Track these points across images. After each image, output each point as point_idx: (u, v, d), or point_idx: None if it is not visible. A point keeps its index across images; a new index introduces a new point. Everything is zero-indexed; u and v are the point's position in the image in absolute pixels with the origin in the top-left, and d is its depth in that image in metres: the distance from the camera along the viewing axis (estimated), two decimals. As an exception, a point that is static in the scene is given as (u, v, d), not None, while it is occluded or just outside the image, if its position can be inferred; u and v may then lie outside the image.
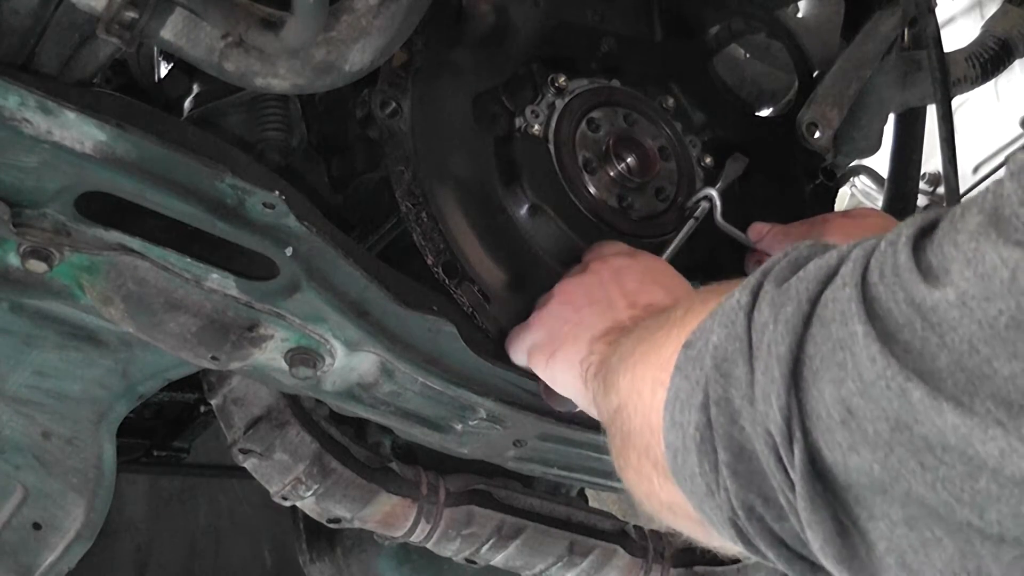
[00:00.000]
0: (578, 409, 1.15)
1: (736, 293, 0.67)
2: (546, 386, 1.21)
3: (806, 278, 0.62)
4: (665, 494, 0.79)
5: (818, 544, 0.60)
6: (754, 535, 0.66)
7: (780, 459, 0.61)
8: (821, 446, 0.58)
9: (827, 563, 0.61)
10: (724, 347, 0.65)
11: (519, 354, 1.23)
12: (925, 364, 0.54)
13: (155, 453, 2.26)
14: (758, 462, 0.63)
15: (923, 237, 0.58)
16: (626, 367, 0.86)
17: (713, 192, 1.38)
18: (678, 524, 0.83)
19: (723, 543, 0.75)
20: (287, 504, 1.45)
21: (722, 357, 0.65)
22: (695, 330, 0.71)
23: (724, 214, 1.39)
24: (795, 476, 0.60)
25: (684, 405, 0.69)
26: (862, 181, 2.35)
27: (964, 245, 0.54)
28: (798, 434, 0.59)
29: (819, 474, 0.59)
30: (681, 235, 1.38)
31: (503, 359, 1.29)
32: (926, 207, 2.21)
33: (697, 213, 1.40)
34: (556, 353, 1.11)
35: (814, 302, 0.60)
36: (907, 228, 0.59)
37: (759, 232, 1.38)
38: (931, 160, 1.96)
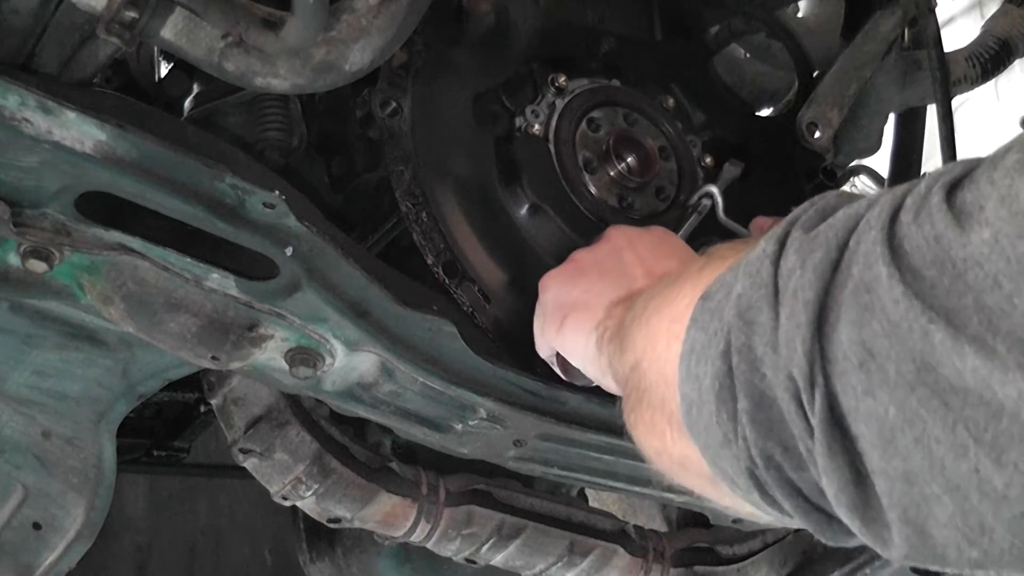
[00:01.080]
0: (594, 384, 1.11)
1: (762, 243, 0.66)
2: (560, 359, 1.18)
3: (835, 225, 0.62)
4: (678, 449, 0.78)
5: (833, 491, 0.60)
6: (772, 485, 0.66)
7: (801, 406, 0.60)
8: (838, 391, 0.58)
9: (841, 512, 0.61)
10: (748, 295, 0.65)
11: (536, 329, 1.20)
12: (949, 304, 0.53)
13: (155, 453, 2.26)
14: (778, 410, 0.62)
15: (959, 181, 0.57)
16: (640, 323, 0.85)
17: (714, 189, 1.38)
18: (689, 481, 0.82)
19: (733, 500, 0.74)
20: (287, 504, 1.45)
21: (746, 305, 0.64)
22: (713, 282, 0.71)
23: (725, 211, 1.39)
24: (814, 422, 0.59)
25: (701, 356, 0.68)
26: (862, 181, 2.35)
27: (1000, 182, 0.53)
28: (819, 379, 0.59)
29: (836, 421, 0.59)
30: (683, 231, 1.37)
31: (503, 359, 1.29)
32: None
33: (699, 210, 1.40)
34: (568, 319, 1.09)
35: (842, 249, 0.60)
36: (943, 174, 0.59)
37: (761, 227, 1.36)
38: (931, 160, 1.95)
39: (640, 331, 0.84)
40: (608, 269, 1.08)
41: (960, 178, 0.57)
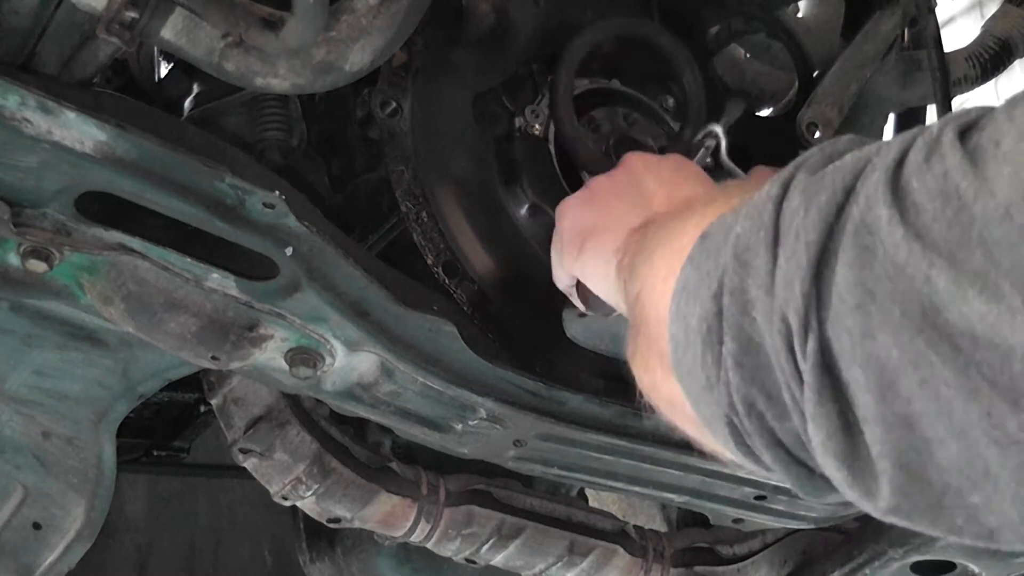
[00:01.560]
0: (615, 313, 1.06)
1: (766, 186, 0.64)
2: (580, 288, 1.13)
3: (842, 168, 0.60)
4: (666, 388, 0.76)
5: (820, 439, 0.58)
6: (752, 433, 0.64)
7: (792, 351, 0.59)
8: (832, 336, 0.56)
9: (826, 462, 0.59)
10: (747, 236, 0.63)
11: (553, 258, 1.14)
12: (950, 238, 0.51)
13: (155, 453, 2.26)
14: (766, 356, 0.61)
15: (973, 122, 0.55)
16: (646, 254, 0.83)
17: (719, 128, 1.33)
18: (676, 420, 0.81)
19: (716, 446, 0.73)
20: (287, 504, 1.45)
21: (744, 246, 0.63)
22: (714, 222, 0.69)
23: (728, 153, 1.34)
24: (804, 367, 0.58)
25: (692, 296, 0.67)
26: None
27: (1020, 119, 0.52)
28: (813, 323, 0.57)
29: (828, 366, 0.57)
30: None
31: (503, 359, 1.29)
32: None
33: (706, 145, 1.34)
34: (587, 244, 1.03)
35: (848, 192, 0.58)
36: (956, 116, 0.57)
37: (763, 176, 1.35)
38: (931, 160, 1.95)
39: (644, 263, 0.82)
40: (627, 193, 1.04)
41: (975, 119, 0.55)
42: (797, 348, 0.58)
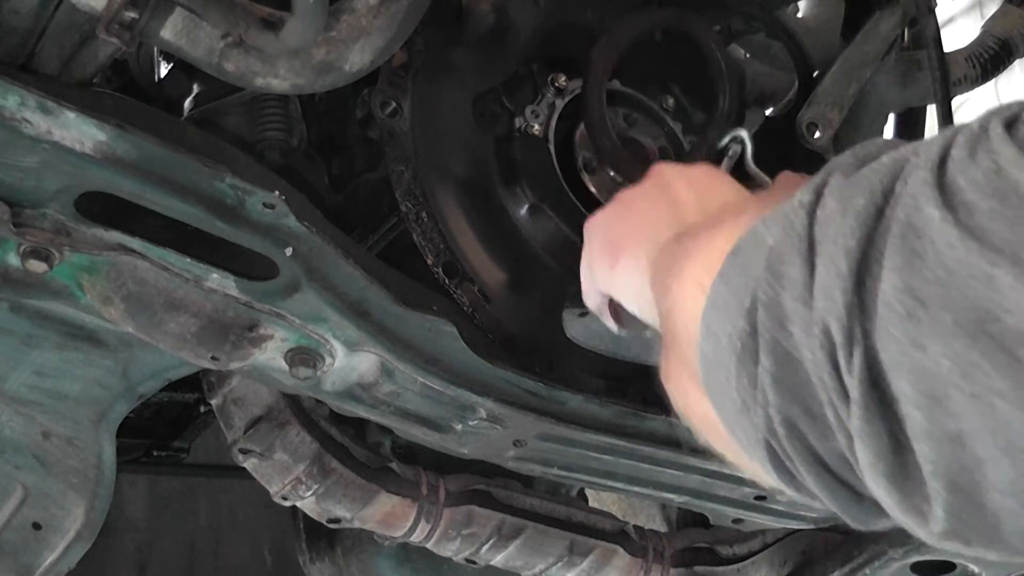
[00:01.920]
0: (649, 332, 1.01)
1: (797, 193, 0.61)
2: (613, 306, 1.07)
3: (879, 169, 0.56)
4: (699, 408, 0.73)
5: (868, 459, 0.55)
6: (793, 456, 0.60)
7: (836, 365, 0.55)
8: (879, 347, 0.53)
9: (874, 483, 0.55)
10: (780, 246, 0.59)
11: (583, 275, 1.09)
12: (1012, 237, 0.48)
13: (155, 453, 2.26)
14: (806, 372, 0.57)
15: (1018, 115, 0.53)
16: (677, 269, 0.79)
17: (744, 133, 1.28)
18: (712, 440, 0.77)
19: (754, 470, 0.69)
20: (287, 504, 1.45)
21: (777, 258, 0.59)
22: (745, 234, 0.65)
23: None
24: (851, 381, 0.54)
25: (722, 313, 0.64)
26: (862, 181, 2.35)
27: None
28: (858, 334, 0.54)
29: (876, 380, 0.53)
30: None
31: (503, 359, 1.29)
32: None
33: (729, 155, 1.30)
34: (621, 257, 0.98)
35: (887, 194, 0.54)
36: (998, 112, 0.54)
37: (790, 182, 1.24)
38: (931, 160, 1.95)
39: (675, 277, 0.78)
40: (659, 203, 0.98)
41: (1019, 112, 0.53)
42: (841, 361, 0.55)
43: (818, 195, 0.59)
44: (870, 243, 0.54)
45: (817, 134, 1.58)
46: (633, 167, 1.33)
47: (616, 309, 1.07)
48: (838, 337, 0.55)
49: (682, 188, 0.98)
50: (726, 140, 1.29)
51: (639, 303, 0.95)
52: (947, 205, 0.51)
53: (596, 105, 1.34)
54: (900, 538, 1.56)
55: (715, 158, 1.28)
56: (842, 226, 0.56)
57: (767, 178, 1.25)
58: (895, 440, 0.54)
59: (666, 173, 1.03)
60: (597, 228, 1.05)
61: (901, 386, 0.52)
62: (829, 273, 0.55)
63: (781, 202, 0.64)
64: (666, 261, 0.85)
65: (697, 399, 0.72)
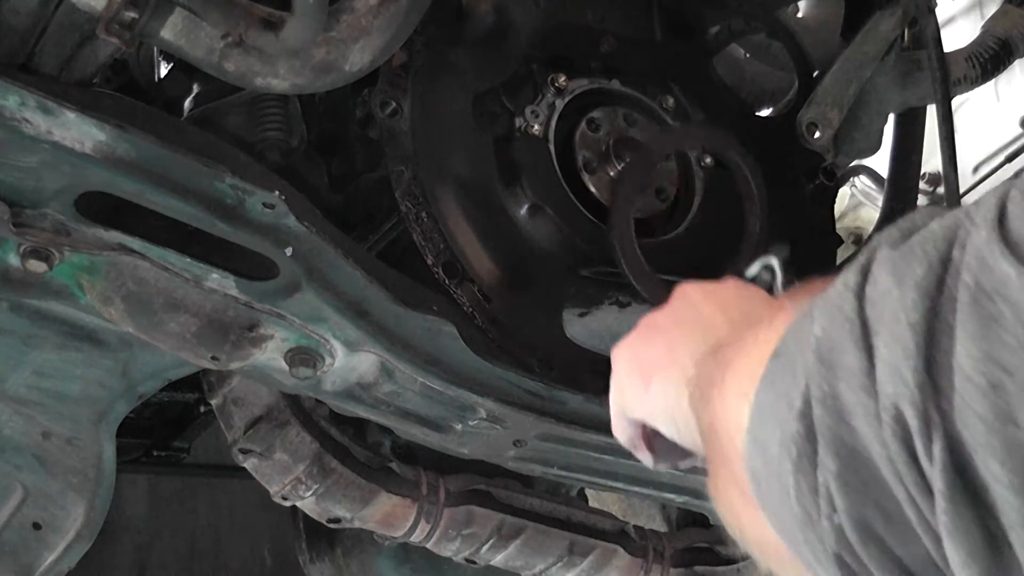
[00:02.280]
0: (689, 463, 0.97)
1: (839, 279, 0.56)
2: (647, 434, 1.00)
3: (931, 236, 0.52)
4: (755, 529, 0.67)
5: (960, 559, 0.49)
6: (872, 566, 0.54)
7: (913, 455, 0.50)
8: (961, 429, 0.48)
9: None
10: (829, 336, 0.55)
11: (612, 406, 1.02)
12: None
13: (155, 453, 2.26)
14: (876, 468, 0.52)
15: None
16: (716, 381, 0.74)
17: (775, 261, 1.18)
18: (774, 566, 0.70)
19: None
20: (287, 504, 1.45)
21: (827, 347, 0.54)
22: (785, 334, 0.60)
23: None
24: (932, 471, 0.49)
25: (769, 419, 0.59)
26: (862, 181, 2.35)
27: None
28: (935, 416, 0.48)
29: (960, 466, 0.48)
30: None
31: (503, 359, 1.29)
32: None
33: (758, 283, 1.19)
34: (653, 380, 0.93)
35: (945, 262, 0.50)
36: None
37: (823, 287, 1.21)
38: (931, 160, 1.95)
39: (714, 388, 0.74)
40: (688, 323, 0.93)
41: None
42: (919, 450, 0.50)
43: (865, 274, 0.55)
44: (935, 315, 0.50)
45: (817, 134, 1.58)
46: (665, 292, 1.30)
47: (650, 439, 1.00)
48: (913, 423, 0.49)
49: (710, 305, 0.94)
50: (756, 268, 1.18)
51: (677, 425, 0.89)
52: (1021, 260, 0.47)
53: (625, 231, 1.32)
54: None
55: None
56: (901, 301, 0.51)
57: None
58: (987, 533, 0.48)
59: (691, 293, 0.98)
60: (625, 355, 1.00)
61: (991, 469, 0.47)
62: (893, 353, 0.51)
63: (819, 294, 0.59)
64: (704, 375, 0.81)
65: (751, 518, 0.66)
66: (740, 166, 1.40)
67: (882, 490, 0.52)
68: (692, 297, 0.97)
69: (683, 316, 0.95)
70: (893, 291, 0.52)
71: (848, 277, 0.56)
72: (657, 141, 1.37)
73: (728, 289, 0.98)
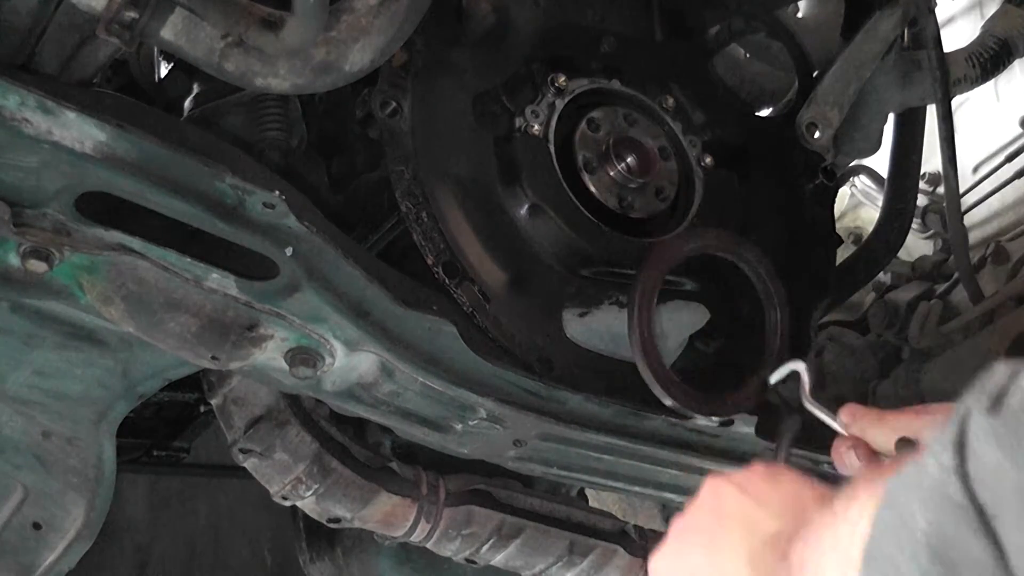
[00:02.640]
0: None
1: (926, 460, 0.50)
2: None
3: None
4: None
5: None
6: None
7: None
8: None
9: None
10: (940, 529, 0.48)
11: None
12: None
13: (155, 453, 2.26)
14: None
15: None
16: None
17: (802, 367, 1.14)
18: None
19: None
20: (287, 504, 1.45)
21: (941, 543, 0.48)
22: (873, 532, 0.53)
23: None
24: None
25: None
26: (862, 181, 2.35)
27: None
28: None
29: None
30: (785, 442, 1.14)
31: (503, 359, 1.29)
32: (926, 207, 2.21)
33: (786, 394, 1.15)
34: None
35: None
36: None
37: (852, 414, 1.09)
38: (931, 160, 1.95)
39: None
40: (726, 521, 0.86)
41: None
42: None
43: (960, 449, 0.49)
44: None
45: (817, 134, 1.58)
46: (690, 397, 1.29)
47: None
48: None
49: (746, 499, 0.86)
50: (781, 374, 1.16)
51: None
52: None
53: (648, 339, 1.29)
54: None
55: (766, 393, 1.16)
56: (1019, 477, 0.46)
57: (830, 413, 1.11)
58: None
59: (722, 488, 0.89)
60: (662, 569, 0.92)
61: None
62: None
63: (890, 476, 0.53)
64: None
65: None
66: (759, 272, 1.39)
67: None
68: (724, 493, 0.88)
69: (720, 517, 0.87)
70: (1006, 467, 0.47)
71: (939, 457, 0.49)
72: (672, 244, 1.35)
73: (760, 478, 0.89)
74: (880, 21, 1.62)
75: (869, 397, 1.87)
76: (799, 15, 1.76)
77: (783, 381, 1.15)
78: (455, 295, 1.29)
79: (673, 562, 0.90)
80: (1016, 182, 2.06)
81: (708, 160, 1.52)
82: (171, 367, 1.30)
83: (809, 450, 1.27)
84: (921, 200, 2.11)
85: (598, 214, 1.39)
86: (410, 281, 1.24)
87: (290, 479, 1.41)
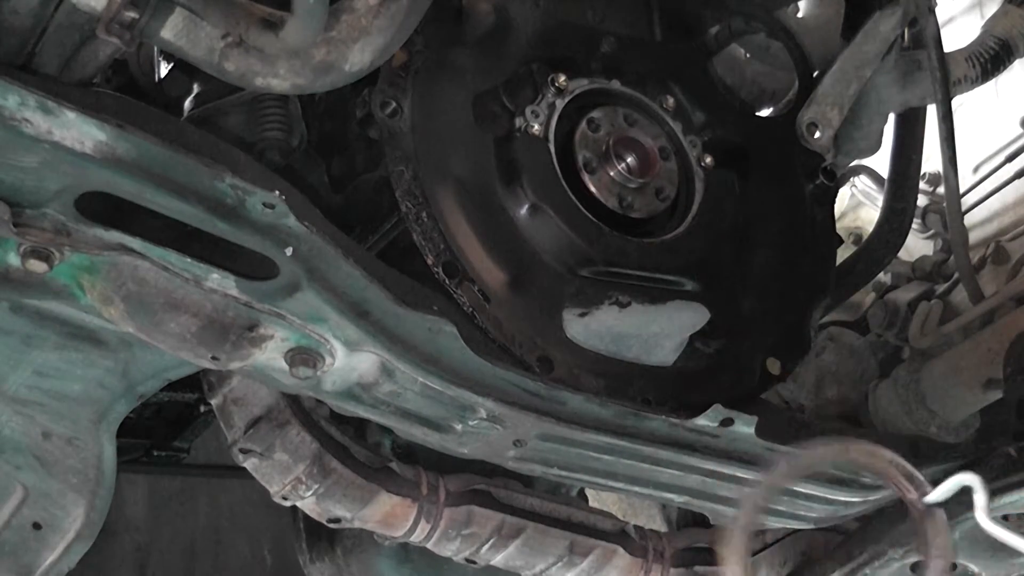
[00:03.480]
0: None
1: None
2: None
3: None
4: None
5: None
6: None
7: None
8: None
9: None
10: None
11: None
12: None
13: (155, 453, 2.26)
14: None
15: None
16: None
17: (976, 481, 0.98)
18: None
19: None
20: (287, 504, 1.45)
21: None
22: None
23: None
24: None
25: None
26: (862, 181, 2.35)
27: None
28: None
29: None
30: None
31: (503, 359, 1.29)
32: (926, 207, 2.21)
33: (949, 507, 1.01)
34: None
35: None
36: None
37: None
38: (931, 160, 1.95)
39: None
40: None
41: None
42: None
43: None
44: None
45: (817, 134, 1.58)
46: None
47: None
48: None
49: None
50: (946, 490, 0.98)
51: None
52: None
53: None
54: (900, 538, 1.56)
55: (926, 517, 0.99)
56: None
57: (1018, 539, 0.98)
58: None
59: None
60: None
61: None
62: None
63: None
64: None
65: None
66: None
67: None
68: None
69: None
70: None
71: None
72: (784, 470, 1.27)
73: None
74: (880, 21, 1.62)
75: (869, 397, 1.87)
76: (799, 15, 1.76)
77: (958, 499, 0.99)
78: (455, 295, 1.29)
79: None
80: (1016, 182, 2.07)
81: (708, 160, 1.52)
82: (171, 367, 1.30)
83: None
84: (921, 200, 2.11)
85: (598, 214, 1.39)
86: (410, 281, 1.24)
87: (290, 479, 1.41)
